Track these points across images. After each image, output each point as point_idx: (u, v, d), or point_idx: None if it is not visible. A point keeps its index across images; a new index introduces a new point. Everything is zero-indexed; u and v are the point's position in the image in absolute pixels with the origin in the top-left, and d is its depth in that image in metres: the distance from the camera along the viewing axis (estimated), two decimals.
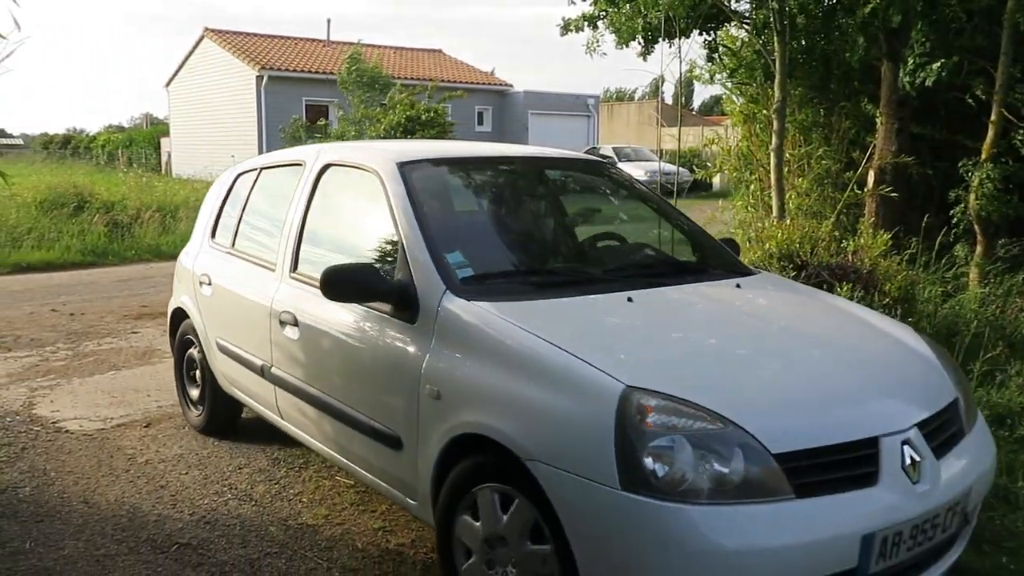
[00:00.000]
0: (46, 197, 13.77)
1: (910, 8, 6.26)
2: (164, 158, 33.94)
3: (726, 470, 2.21)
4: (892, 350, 2.99)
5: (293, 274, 3.75)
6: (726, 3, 7.45)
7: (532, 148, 4.81)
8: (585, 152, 28.63)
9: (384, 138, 17.59)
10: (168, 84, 32.74)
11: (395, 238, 3.22)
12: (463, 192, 3.96)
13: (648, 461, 2.20)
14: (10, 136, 61.78)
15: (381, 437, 3.08)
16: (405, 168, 3.43)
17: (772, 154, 6.74)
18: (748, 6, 7.97)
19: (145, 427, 4.85)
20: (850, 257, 5.54)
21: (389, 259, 3.23)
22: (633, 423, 2.24)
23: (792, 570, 2.19)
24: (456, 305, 2.84)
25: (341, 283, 3.04)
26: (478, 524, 2.63)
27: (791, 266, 5.32)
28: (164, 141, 35.01)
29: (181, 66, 31.57)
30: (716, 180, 9.90)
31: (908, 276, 5.41)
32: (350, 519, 3.65)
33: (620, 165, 26.45)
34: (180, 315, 4.90)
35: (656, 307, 3.05)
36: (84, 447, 4.54)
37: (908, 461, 2.39)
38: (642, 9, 7.41)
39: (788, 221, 6.16)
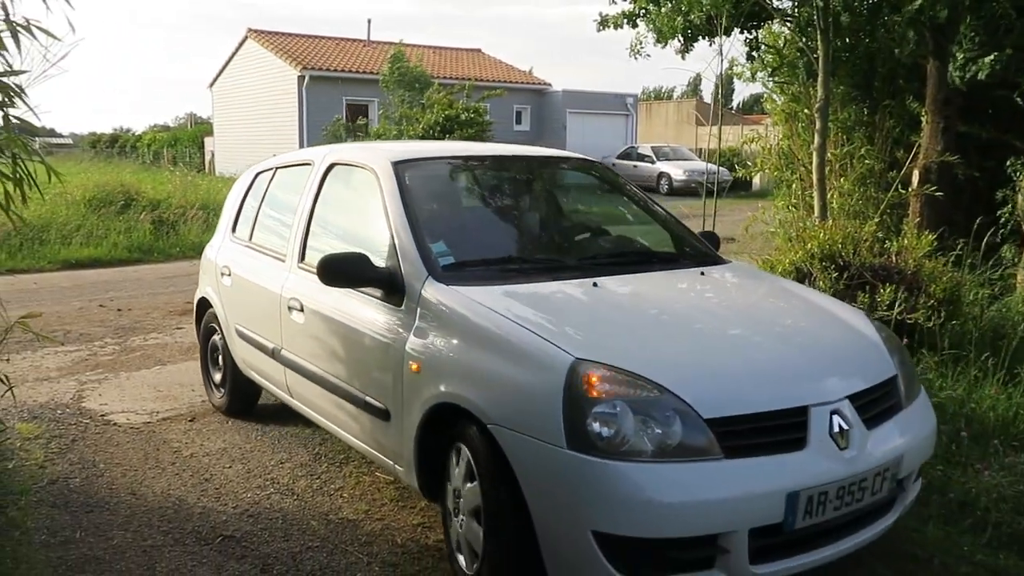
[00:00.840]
0: (94, 195, 14.09)
1: (958, 3, 6.15)
2: (207, 157, 34.47)
3: (661, 433, 2.49)
4: (835, 330, 3.25)
5: (301, 264, 4.09)
6: (768, 1, 7.38)
7: (518, 148, 5.17)
8: (623, 151, 28.59)
9: (422, 137, 17.69)
10: (212, 84, 33.22)
11: (387, 229, 3.53)
12: (451, 188, 4.27)
13: (594, 425, 2.49)
14: (60, 135, 63.17)
15: (373, 410, 3.40)
16: (399, 166, 3.78)
17: (814, 153, 6.66)
18: (791, 4, 7.90)
19: (190, 421, 4.95)
20: (893, 258, 5.45)
21: (383, 249, 3.51)
22: (580, 391, 2.53)
23: (720, 521, 2.46)
24: (436, 289, 3.17)
25: (335, 270, 3.37)
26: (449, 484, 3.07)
27: (833, 267, 5.26)
28: (208, 140, 35.55)
29: (225, 66, 32.01)
30: (756, 179, 9.80)
31: (953, 278, 5.32)
32: (390, 515, 3.70)
33: (659, 164, 26.33)
34: (205, 304, 5.24)
35: (618, 291, 3.34)
36: (131, 440, 4.65)
37: (836, 429, 2.65)
38: (684, 7, 7.36)
39: (830, 221, 6.09)
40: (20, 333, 3.72)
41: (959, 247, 6.08)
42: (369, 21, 34.01)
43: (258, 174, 5.13)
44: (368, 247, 3.54)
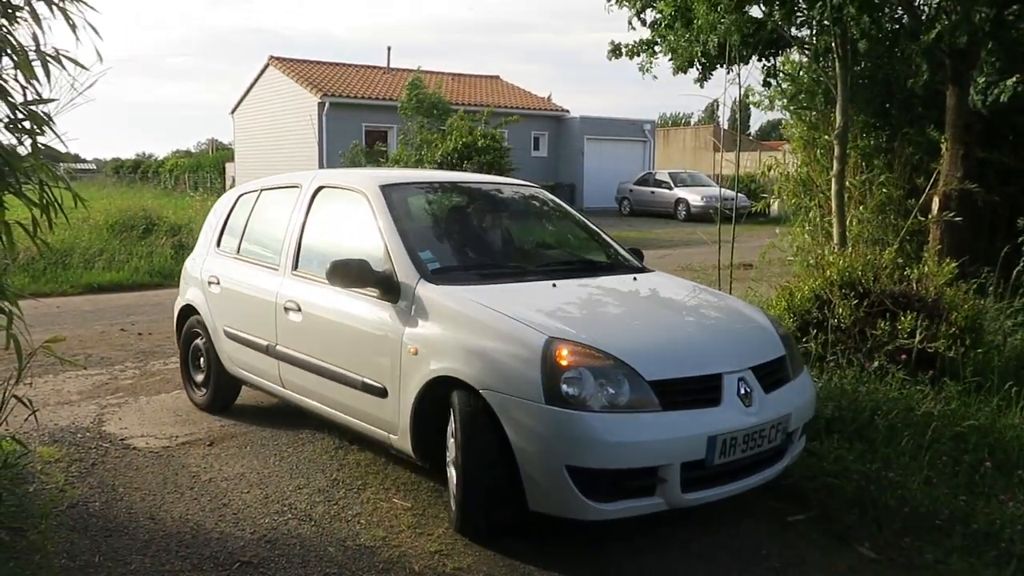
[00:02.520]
0: (117, 220, 14.26)
1: (977, 29, 6.15)
2: (228, 182, 34.82)
3: (614, 392, 3.35)
4: (740, 320, 4.19)
5: (295, 272, 4.82)
6: (786, 29, 7.41)
7: (483, 176, 6.50)
8: (641, 177, 28.63)
9: (440, 163, 17.79)
10: (234, 111, 33.61)
11: (380, 241, 4.30)
12: (429, 207, 5.07)
13: (564, 386, 3.32)
14: (84, 161, 64.04)
15: (370, 389, 4.12)
16: (386, 189, 4.57)
17: (833, 180, 6.66)
18: (808, 32, 7.93)
19: (208, 446, 4.97)
20: (914, 285, 5.42)
21: (372, 257, 4.21)
22: (553, 361, 3.37)
23: (659, 456, 3.33)
24: (429, 288, 3.96)
25: (343, 272, 4.12)
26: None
27: (853, 294, 5.24)
28: (228, 166, 35.94)
29: (247, 93, 32.39)
30: (774, 206, 9.82)
31: (975, 306, 5.28)
32: (407, 541, 3.69)
33: (676, 190, 26.33)
34: (187, 312, 5.82)
35: (572, 290, 4.24)
36: (150, 464, 4.67)
37: (742, 392, 3.55)
38: (699, 36, 7.40)
39: (850, 248, 6.06)
40: (43, 357, 3.75)
41: (982, 275, 6.04)
42: (389, 49, 34.43)
43: (241, 195, 5.80)
44: (358, 256, 4.20)
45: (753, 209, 9.15)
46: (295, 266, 4.83)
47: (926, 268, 5.70)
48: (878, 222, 7.59)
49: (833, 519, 3.85)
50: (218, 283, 5.46)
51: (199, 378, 5.74)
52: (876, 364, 4.96)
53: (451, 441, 3.73)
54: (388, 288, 4.08)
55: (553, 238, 5.34)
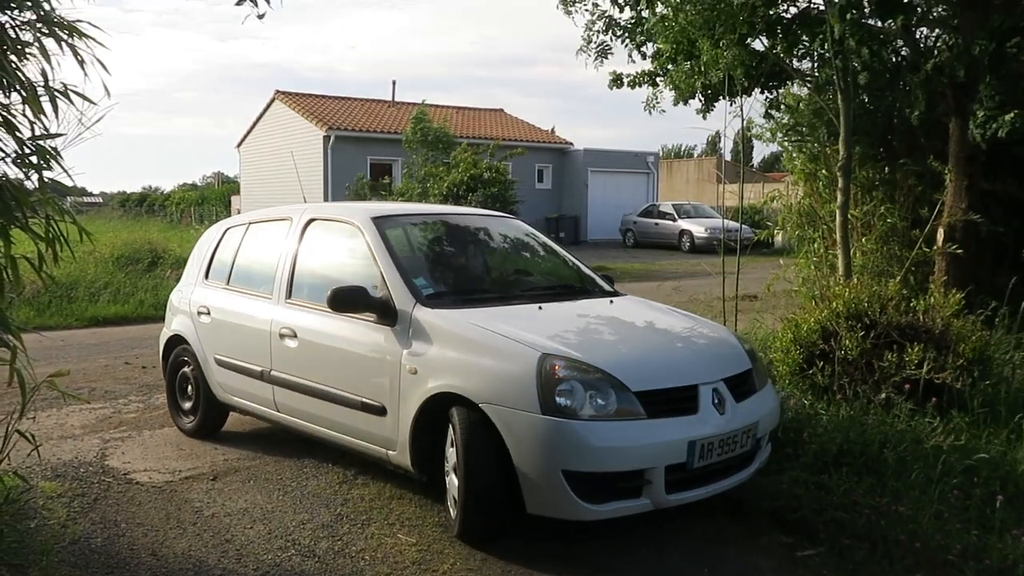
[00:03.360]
0: (122, 253, 14.33)
1: (977, 62, 6.18)
2: (233, 215, 34.98)
3: (603, 402, 3.66)
4: (710, 338, 4.55)
5: (289, 300, 5.05)
6: (788, 62, 7.46)
7: (465, 208, 7.46)
8: (645, 209, 28.71)
9: (446, 195, 17.87)
10: (240, 144, 33.86)
11: (375, 269, 4.56)
12: (419, 237, 5.32)
13: (558, 398, 3.63)
14: (90, 194, 64.45)
15: (369, 408, 4.37)
16: (378, 221, 4.86)
17: (837, 212, 6.65)
18: (809, 65, 7.98)
19: (212, 480, 4.94)
20: (921, 317, 5.40)
21: (370, 284, 4.50)
22: (547, 375, 3.67)
23: (645, 459, 3.64)
24: (425, 312, 4.25)
25: (343, 299, 4.39)
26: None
27: (859, 325, 5.21)
28: (234, 199, 36.13)
29: (253, 127, 32.66)
30: (778, 237, 9.84)
31: (982, 337, 5.25)
32: None
33: (680, 222, 26.39)
34: (175, 342, 5.99)
35: (557, 311, 4.59)
36: (153, 499, 4.64)
37: (716, 401, 3.89)
38: (702, 69, 7.45)
39: (855, 280, 6.04)
40: (47, 390, 3.74)
41: (989, 306, 6.02)
42: (394, 82, 34.44)
43: (228, 229, 6.05)
44: (353, 284, 4.48)
45: (757, 238, 9.15)
46: (289, 295, 5.07)
47: (932, 299, 5.68)
48: (882, 253, 7.57)
49: (843, 554, 3.80)
50: (208, 313, 5.66)
51: (187, 406, 5.90)
52: (883, 396, 4.92)
53: (450, 452, 3.99)
54: (385, 312, 4.35)
55: (532, 265, 5.62)
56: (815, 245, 8.05)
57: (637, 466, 3.63)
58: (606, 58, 8.43)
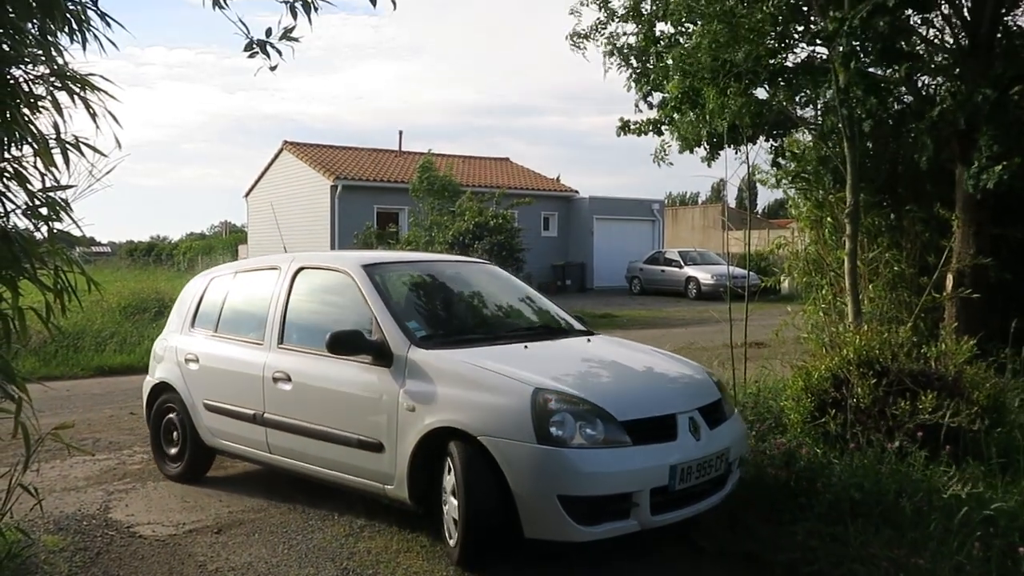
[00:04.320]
0: (129, 302, 14.33)
1: (979, 109, 6.21)
2: None
3: (593, 431, 3.95)
4: (683, 370, 4.88)
5: (281, 346, 5.28)
6: (792, 110, 7.52)
7: (448, 256, 7.35)
8: (651, 256, 28.76)
9: (452, 243, 17.92)
10: (248, 194, 34.13)
11: (368, 314, 4.82)
12: (407, 283, 5.53)
13: (552, 428, 3.91)
14: (99, 244, 64.85)
15: (366, 445, 4.59)
16: (368, 268, 5.12)
17: (846, 259, 6.64)
18: (812, 112, 8.04)
19: (216, 533, 4.86)
20: (933, 364, 5.35)
21: (363, 328, 4.75)
22: (541, 407, 3.95)
23: (632, 483, 3.92)
24: (420, 353, 4.52)
25: (341, 342, 4.66)
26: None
27: (871, 372, 5.16)
28: (242, 248, 36.32)
29: (261, 177, 32.95)
30: (785, 283, 9.83)
31: (996, 384, 5.19)
32: None
33: (687, 268, 26.36)
34: (160, 389, 6.15)
35: (542, 350, 4.89)
36: (156, 553, 4.56)
37: (692, 428, 4.22)
38: (708, 118, 7.51)
39: (865, 327, 6.00)
40: (51, 442, 3.70)
41: (1000, 352, 5.96)
42: (401, 132, 35.03)
43: (213, 278, 6.26)
44: (346, 328, 4.75)
45: (764, 285, 9.13)
46: (281, 340, 5.30)
47: (944, 346, 5.63)
48: (890, 300, 7.54)
49: None
50: (197, 360, 5.85)
51: (172, 452, 6.03)
52: (897, 444, 4.85)
53: (448, 483, 4.20)
54: (381, 354, 4.60)
55: (513, 307, 5.85)
56: (823, 291, 8.02)
57: (625, 489, 3.92)
58: (647, 99, 8.56)
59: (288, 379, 5.09)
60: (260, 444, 5.35)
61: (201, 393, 5.78)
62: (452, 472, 4.15)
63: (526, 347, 4.82)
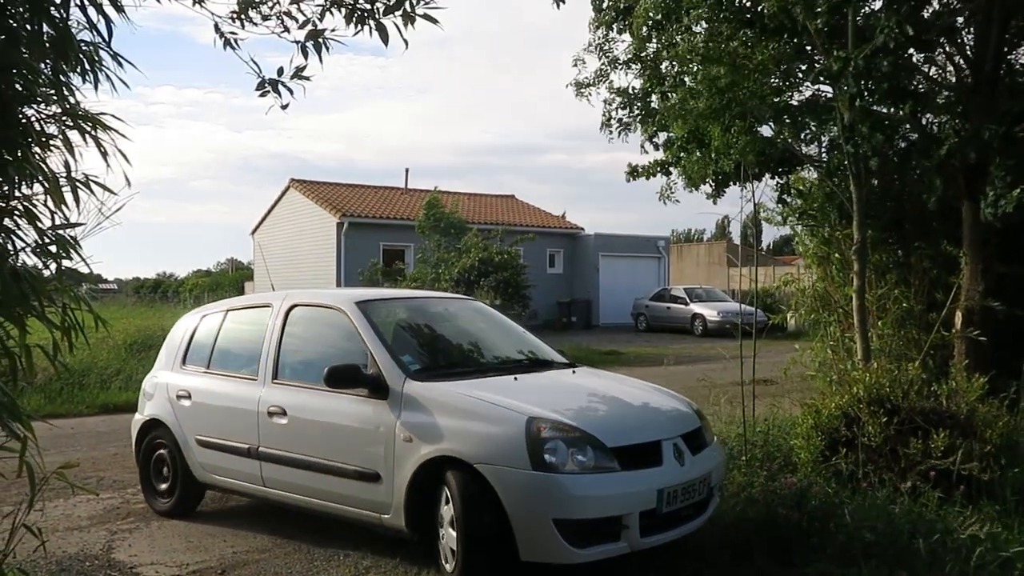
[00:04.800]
0: (135, 339, 14.32)
1: (987, 146, 6.23)
2: None
3: (584, 458, 4.14)
4: (664, 400, 5.09)
5: (275, 381, 5.41)
6: (797, 148, 7.55)
7: (436, 293, 7.92)
8: (656, 293, 28.74)
9: (458, 280, 17.93)
10: (254, 231, 34.30)
11: (363, 349, 4.96)
12: (400, 318, 5.73)
13: (545, 455, 4.09)
14: (106, 281, 65.09)
15: (362, 476, 4.71)
16: (362, 305, 5.29)
17: (854, 296, 6.62)
18: (817, 150, 8.07)
19: (220, 574, 4.80)
20: (944, 402, 5.30)
21: (357, 362, 4.89)
22: (535, 435, 4.14)
23: (622, 506, 4.12)
24: (415, 386, 4.68)
25: (339, 376, 4.79)
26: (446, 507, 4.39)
27: (882, 411, 5.11)
28: (248, 285, 36.42)
29: (267, 214, 33.13)
30: (792, 320, 9.84)
31: (1009, 423, 5.13)
32: None
33: (692, 305, 26.29)
34: (149, 426, 6.23)
35: (531, 381, 5.05)
36: None
37: (676, 454, 4.43)
38: (713, 156, 7.54)
39: (875, 364, 5.96)
40: (55, 480, 3.67)
41: (1011, 390, 5.90)
42: (407, 170, 35.12)
43: (204, 316, 6.38)
44: (338, 363, 4.86)
45: (772, 322, 9.09)
46: (275, 375, 5.43)
47: (954, 383, 5.58)
48: (899, 337, 7.50)
49: None
50: (188, 396, 5.95)
51: (162, 487, 6.09)
52: (909, 484, 4.79)
53: (444, 510, 4.35)
54: (377, 387, 4.74)
55: (499, 341, 6.03)
56: (830, 328, 7.99)
57: (616, 512, 4.12)
58: (629, 132, 8.63)
59: (283, 413, 5.21)
60: (254, 478, 5.43)
61: (193, 429, 5.86)
62: (449, 500, 4.30)
63: (516, 379, 4.99)
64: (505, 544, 4.12)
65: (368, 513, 4.75)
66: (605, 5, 8.47)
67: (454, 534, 4.25)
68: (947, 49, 7.34)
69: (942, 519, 4.50)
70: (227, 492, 5.94)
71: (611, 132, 8.74)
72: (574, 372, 5.49)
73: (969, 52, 7.18)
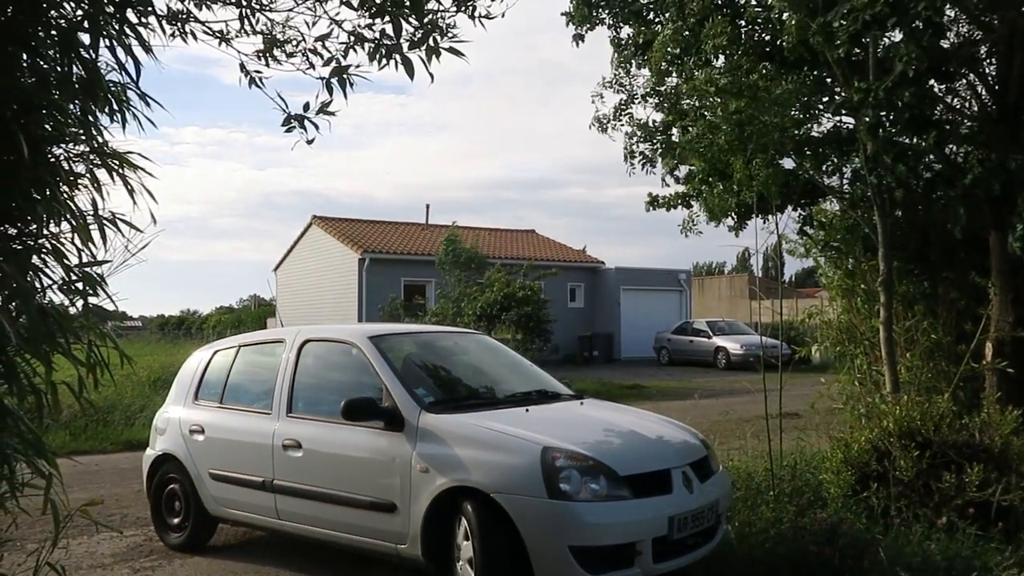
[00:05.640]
0: (159, 376, 14.40)
1: (1013, 177, 6.17)
2: None
3: (597, 486, 4.25)
4: (671, 430, 5.19)
5: (290, 415, 5.48)
6: (820, 179, 7.51)
7: (445, 327, 8.35)
8: (679, 326, 28.59)
9: (479, 315, 17.93)
10: (277, 268, 34.58)
11: (377, 382, 5.07)
12: (411, 352, 5.79)
13: (560, 484, 4.19)
14: (131, 319, 65.72)
15: (378, 507, 4.78)
16: (375, 339, 5.41)
17: (881, 327, 6.53)
18: (840, 180, 8.02)
19: None
20: (977, 435, 5.19)
21: (372, 396, 5.02)
22: (549, 465, 4.24)
23: (635, 533, 4.22)
24: (430, 418, 4.78)
25: (356, 408, 4.90)
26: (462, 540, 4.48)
27: (913, 444, 5.01)
28: (270, 321, 36.60)
29: (290, 251, 33.42)
30: (816, 353, 9.74)
31: None
32: None
33: (715, 339, 26.08)
34: (161, 461, 6.28)
35: (542, 412, 5.17)
36: None
37: (685, 482, 4.54)
38: (736, 188, 7.52)
39: (904, 397, 5.85)
40: (79, 518, 3.66)
41: None
42: (428, 206, 35.57)
43: (216, 352, 6.46)
44: (351, 396, 4.95)
45: (798, 355, 8.98)
46: (289, 409, 5.51)
47: (987, 416, 5.47)
48: (928, 369, 7.38)
49: None
50: (202, 431, 6.01)
51: (175, 521, 6.15)
52: (944, 520, 4.68)
53: (460, 540, 4.44)
54: (392, 420, 4.83)
55: (508, 374, 6.18)
56: (857, 361, 7.87)
57: (630, 539, 4.22)
58: (652, 165, 8.61)
59: (298, 446, 5.28)
60: (269, 510, 5.47)
61: (207, 463, 5.92)
62: (466, 529, 4.39)
63: (527, 410, 5.08)
64: (522, 571, 4.21)
65: (384, 544, 4.81)
66: (624, 41, 8.52)
67: (471, 562, 4.33)
68: (969, 79, 7.30)
69: (979, 556, 4.38)
70: (240, 525, 5.99)
71: (633, 165, 8.75)
72: (582, 404, 5.62)
73: (992, 82, 7.14)
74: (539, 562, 4.17)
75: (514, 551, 4.22)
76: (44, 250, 3.19)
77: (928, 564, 4.28)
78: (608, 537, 4.17)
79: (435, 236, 28.58)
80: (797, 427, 8.41)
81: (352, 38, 3.74)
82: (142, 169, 3.29)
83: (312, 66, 3.87)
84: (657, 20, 8.18)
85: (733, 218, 8.31)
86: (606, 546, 4.17)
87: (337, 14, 3.80)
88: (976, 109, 7.48)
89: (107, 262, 3.31)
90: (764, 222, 7.67)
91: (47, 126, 3.02)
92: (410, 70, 3.56)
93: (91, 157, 3.21)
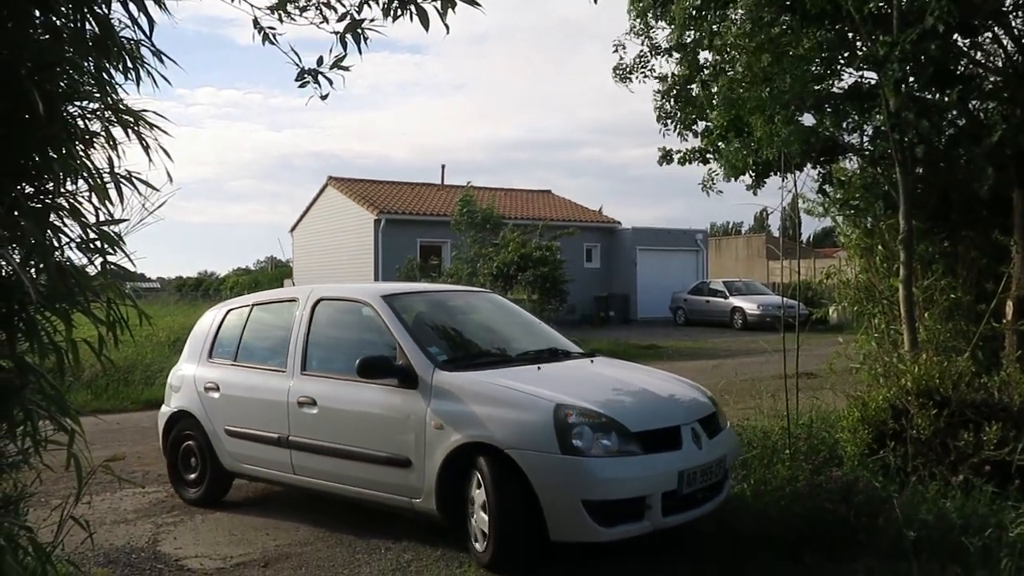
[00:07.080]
0: (179, 336, 14.52)
1: None
2: None
3: (608, 442, 4.36)
4: (680, 387, 5.29)
5: (304, 372, 5.56)
6: (841, 136, 7.40)
7: (457, 286, 8.46)
8: (695, 287, 28.49)
9: (495, 275, 17.92)
10: (293, 229, 34.66)
11: (391, 340, 5.15)
12: (422, 311, 5.80)
13: (573, 440, 4.29)
14: (149, 280, 66.15)
15: (393, 462, 4.90)
16: (388, 298, 5.48)
17: (900, 286, 6.47)
18: (861, 138, 7.90)
19: (263, 567, 4.84)
20: (995, 394, 5.16)
21: (385, 353, 5.11)
22: (562, 421, 4.35)
23: (646, 487, 4.35)
24: (444, 375, 4.88)
25: (371, 367, 5.00)
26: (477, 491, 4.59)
27: (931, 403, 5.00)
28: (286, 282, 36.77)
29: (306, 212, 33.45)
30: (833, 314, 9.69)
31: None
32: None
33: (732, 299, 25.98)
34: (177, 418, 6.37)
35: (554, 370, 5.22)
36: None
37: (694, 438, 4.65)
38: (755, 146, 7.42)
39: (923, 355, 5.82)
40: (102, 474, 3.72)
41: None
42: (443, 166, 35.36)
43: (230, 310, 6.54)
44: (365, 354, 5.05)
45: (814, 316, 8.93)
46: (304, 367, 5.58)
47: (1006, 375, 5.44)
48: (947, 328, 7.32)
49: None
50: (217, 388, 6.10)
51: (191, 477, 6.26)
52: (961, 478, 4.67)
53: (476, 494, 4.54)
54: (406, 377, 4.92)
55: (519, 332, 6.25)
56: (875, 320, 7.82)
57: (641, 493, 4.33)
58: (671, 120, 8.52)
59: (313, 403, 5.37)
60: (284, 466, 5.59)
61: (222, 420, 6.01)
62: (480, 484, 4.49)
63: (539, 368, 5.15)
64: (535, 525, 4.31)
65: (399, 498, 4.93)
66: None
67: (485, 516, 4.45)
68: (995, 32, 7.14)
69: (995, 514, 4.38)
70: (256, 481, 6.13)
71: (666, 125, 8.63)
72: (592, 362, 5.69)
73: (1018, 34, 6.98)
74: (552, 516, 4.27)
75: (527, 505, 4.32)
76: (61, 208, 3.19)
77: (943, 522, 4.28)
78: (619, 492, 4.29)
79: (451, 197, 28.48)
80: (813, 387, 8.40)
81: None
82: (157, 127, 3.28)
83: (326, 19, 3.82)
84: None
85: (751, 176, 8.22)
86: (617, 500, 4.28)
87: None
88: (1001, 64, 7.32)
89: (124, 220, 3.32)
90: (783, 180, 7.58)
91: (61, 83, 3.01)
92: (425, 21, 3.51)
93: (106, 114, 3.20)
